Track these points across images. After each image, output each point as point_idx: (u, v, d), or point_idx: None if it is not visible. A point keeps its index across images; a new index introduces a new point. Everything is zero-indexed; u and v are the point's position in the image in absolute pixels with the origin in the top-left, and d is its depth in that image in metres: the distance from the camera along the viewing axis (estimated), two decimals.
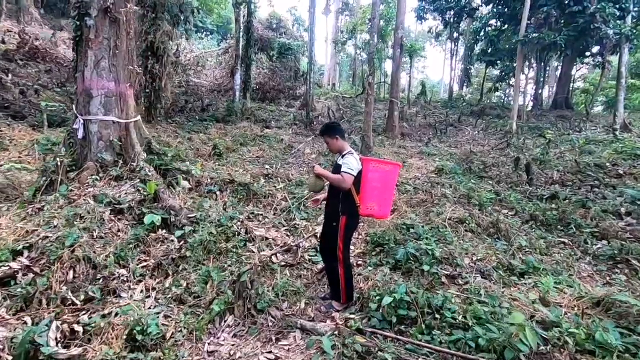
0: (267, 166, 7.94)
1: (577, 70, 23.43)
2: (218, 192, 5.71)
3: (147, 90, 10.96)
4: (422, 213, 5.71)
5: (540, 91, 21.38)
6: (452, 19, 20.62)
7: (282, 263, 4.09)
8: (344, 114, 18.33)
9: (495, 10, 18.08)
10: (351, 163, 3.08)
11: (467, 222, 5.22)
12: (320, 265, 3.98)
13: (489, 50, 18.10)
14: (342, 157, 3.19)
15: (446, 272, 3.80)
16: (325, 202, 3.43)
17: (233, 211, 4.99)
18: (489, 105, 21.90)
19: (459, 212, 5.52)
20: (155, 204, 4.38)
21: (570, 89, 24.31)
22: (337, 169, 3.16)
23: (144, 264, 3.62)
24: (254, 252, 4.12)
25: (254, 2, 15.54)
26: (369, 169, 3.20)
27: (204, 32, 28.85)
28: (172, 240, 3.99)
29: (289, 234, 4.87)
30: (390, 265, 3.93)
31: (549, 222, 5.51)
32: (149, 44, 10.48)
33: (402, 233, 4.68)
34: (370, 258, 4.27)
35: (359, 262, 4.26)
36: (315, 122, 15.25)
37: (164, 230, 4.13)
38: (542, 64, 19.80)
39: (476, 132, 15.17)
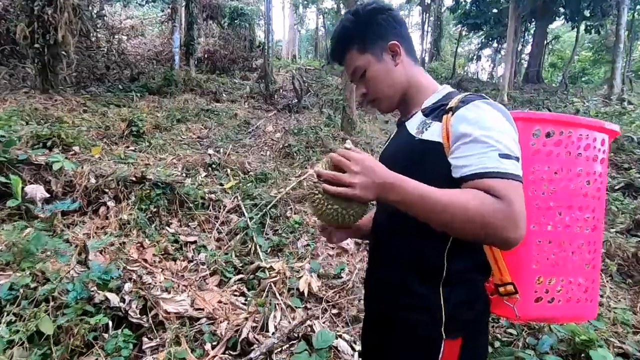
0: (211, 151, 5.32)
1: (547, 42, 22.40)
2: (109, 204, 3.09)
3: (36, 46, 7.70)
4: None
5: (518, 61, 20.09)
6: None
7: None
8: (309, 86, 15.81)
9: None
10: (503, 134, 0.79)
11: None
12: None
13: (471, 14, 16.22)
14: (438, 114, 0.90)
15: None
16: (368, 244, 1.16)
17: (102, 266, 2.43)
18: (466, 78, 20.38)
19: None
20: None
21: (541, 61, 23.40)
22: (421, 159, 0.89)
23: None
24: None
25: None
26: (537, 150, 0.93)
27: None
28: None
29: (245, 305, 2.39)
30: None
31: None
32: None
33: None
34: None
35: None
36: (276, 96, 12.64)
37: None
38: (524, 31, 18.35)
39: None
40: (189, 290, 2.28)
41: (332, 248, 3.19)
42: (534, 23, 19.74)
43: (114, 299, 1.89)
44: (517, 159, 0.77)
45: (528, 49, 23.23)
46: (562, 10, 12.50)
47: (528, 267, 0.89)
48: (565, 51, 25.62)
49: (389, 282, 0.96)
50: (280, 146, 6.24)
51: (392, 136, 1.12)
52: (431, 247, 0.87)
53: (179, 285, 2.33)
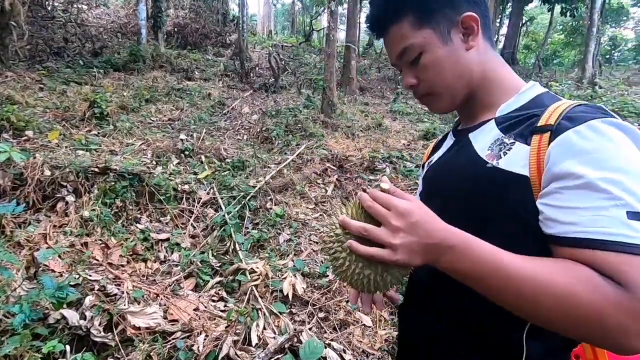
0: (183, 136, 4.96)
1: (522, 24, 22.61)
2: (68, 199, 2.77)
3: None
4: None
5: (496, 42, 20.22)
6: None
7: None
8: (286, 65, 15.25)
9: None
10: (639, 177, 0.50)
11: None
12: None
13: None
14: (523, 131, 0.62)
15: None
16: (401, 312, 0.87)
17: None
18: None
19: None
20: None
21: (517, 43, 23.66)
22: (494, 197, 0.62)
23: None
24: None
25: None
26: None
27: None
28: None
29: (224, 313, 2.19)
30: None
31: None
32: None
33: None
34: None
35: None
36: (252, 74, 12.11)
37: None
38: (501, 12, 18.35)
39: None
40: (162, 299, 2.06)
41: (316, 243, 3.03)
42: (510, 4, 19.80)
43: (72, 316, 1.66)
44: None
45: (503, 30, 23.40)
46: None
47: None
48: (539, 33, 26.01)
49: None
50: (258, 130, 5.94)
51: (444, 144, 0.83)
52: (503, 319, 0.58)
53: (149, 294, 2.10)
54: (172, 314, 1.99)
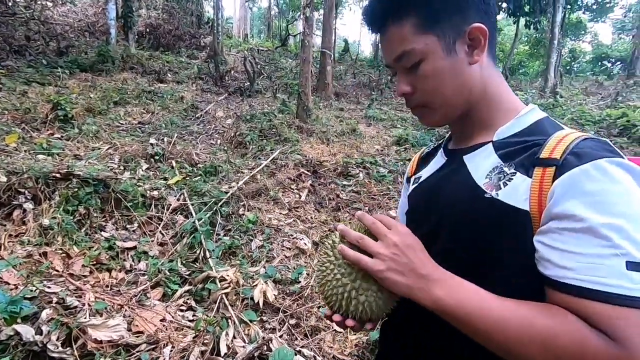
0: (153, 140, 4.82)
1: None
2: (26, 206, 2.63)
3: None
4: None
5: None
6: None
7: None
8: (262, 69, 15.17)
9: None
10: None
11: None
12: None
13: None
14: (524, 161, 0.59)
15: None
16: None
17: None
18: None
19: None
20: None
21: None
22: (491, 231, 0.58)
23: None
24: None
25: None
26: None
27: None
28: None
29: (192, 322, 2.13)
30: None
31: None
32: None
33: None
34: None
35: None
36: (227, 78, 11.98)
37: None
38: None
39: None
40: (126, 310, 1.99)
41: (289, 249, 3.02)
42: None
43: (26, 332, 1.57)
44: None
45: None
46: (505, 5, 13.13)
47: None
48: (506, 44, 27.25)
49: None
50: (232, 134, 5.87)
51: (434, 161, 0.79)
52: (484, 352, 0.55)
53: (113, 305, 2.02)
54: (137, 325, 1.93)
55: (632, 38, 18.44)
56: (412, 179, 0.84)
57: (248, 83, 10.90)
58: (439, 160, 0.77)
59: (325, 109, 9.76)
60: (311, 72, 10.93)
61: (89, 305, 1.92)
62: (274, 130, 6.11)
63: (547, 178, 0.53)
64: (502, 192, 0.58)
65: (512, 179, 0.58)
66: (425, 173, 0.79)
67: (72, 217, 2.73)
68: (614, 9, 20.07)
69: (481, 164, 0.64)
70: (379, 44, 0.76)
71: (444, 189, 0.69)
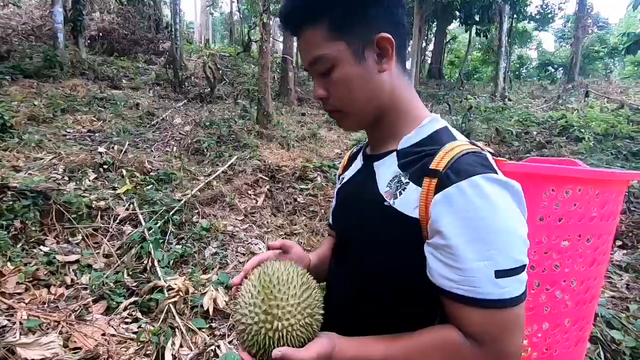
0: (102, 149, 4.62)
1: (446, 42, 24.78)
2: None
3: None
4: None
5: (423, 58, 21.81)
6: None
7: None
8: (224, 75, 14.96)
9: None
10: (510, 235, 0.55)
11: None
12: None
13: None
14: (416, 171, 0.63)
15: None
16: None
17: None
18: None
19: None
20: None
21: (442, 59, 25.79)
22: (393, 237, 0.63)
23: None
24: None
25: None
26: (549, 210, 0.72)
27: None
28: None
29: (136, 335, 2.06)
30: None
31: None
32: None
33: None
34: None
35: None
36: (186, 84, 11.71)
37: None
38: (427, 30, 19.90)
39: None
40: (63, 326, 1.90)
41: (244, 254, 3.01)
42: (435, 23, 21.58)
43: None
44: (522, 267, 0.55)
45: (431, 47, 25.40)
46: (457, 13, 13.87)
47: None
48: (461, 51, 28.70)
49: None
50: (189, 141, 5.74)
51: (355, 164, 0.82)
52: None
53: (49, 322, 1.92)
54: (75, 341, 1.84)
55: (571, 46, 20.03)
56: (340, 177, 0.88)
57: (208, 89, 10.72)
58: (358, 163, 0.80)
59: (287, 114, 9.80)
60: (273, 77, 10.90)
61: (21, 323, 1.82)
62: (233, 136, 6.05)
63: (431, 189, 0.57)
64: (398, 201, 0.61)
65: (405, 188, 0.61)
66: (347, 174, 0.82)
67: (6, 232, 2.57)
68: (555, 19, 21.70)
69: (385, 173, 0.67)
70: (299, 47, 0.74)
71: (357, 195, 0.73)
